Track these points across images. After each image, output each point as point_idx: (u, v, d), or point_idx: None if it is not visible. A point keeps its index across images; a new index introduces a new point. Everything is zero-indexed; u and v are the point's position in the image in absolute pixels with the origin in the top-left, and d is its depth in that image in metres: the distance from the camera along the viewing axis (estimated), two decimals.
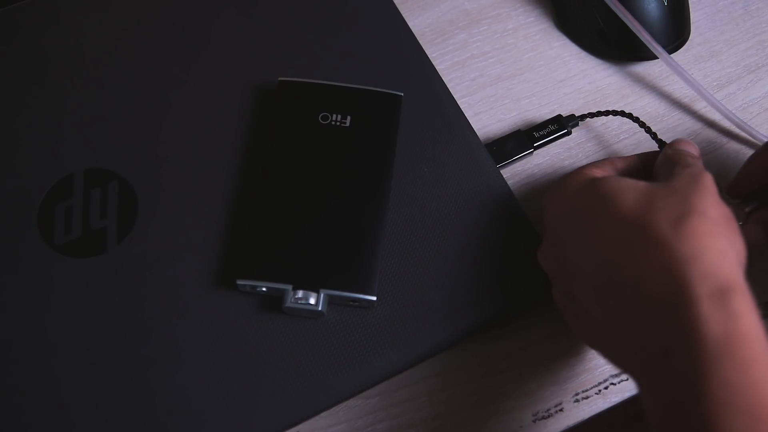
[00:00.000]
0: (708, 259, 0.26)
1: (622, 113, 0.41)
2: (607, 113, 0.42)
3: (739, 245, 0.28)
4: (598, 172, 0.35)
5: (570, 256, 0.31)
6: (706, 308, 0.25)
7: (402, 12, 0.43)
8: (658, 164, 0.35)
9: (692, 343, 0.25)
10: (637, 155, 0.37)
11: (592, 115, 0.42)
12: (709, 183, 0.30)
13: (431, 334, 0.35)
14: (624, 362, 0.29)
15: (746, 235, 0.30)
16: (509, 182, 0.40)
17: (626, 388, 0.36)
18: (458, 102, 0.41)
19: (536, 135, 0.41)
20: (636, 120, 0.41)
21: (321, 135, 0.37)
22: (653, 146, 0.41)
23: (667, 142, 0.42)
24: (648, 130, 0.41)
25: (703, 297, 0.25)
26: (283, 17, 0.42)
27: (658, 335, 0.26)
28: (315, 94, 0.38)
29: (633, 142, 0.42)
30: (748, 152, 0.42)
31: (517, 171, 0.42)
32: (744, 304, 0.25)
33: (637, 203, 0.29)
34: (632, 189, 0.30)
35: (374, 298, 0.34)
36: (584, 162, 0.42)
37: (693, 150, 0.35)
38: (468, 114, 0.42)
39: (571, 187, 0.33)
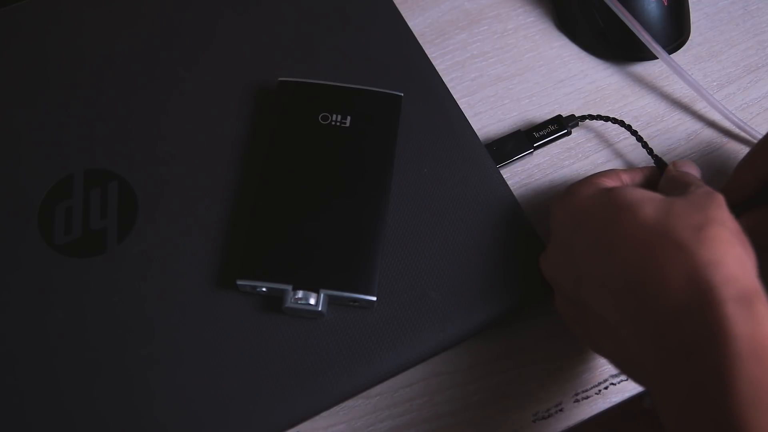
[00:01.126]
0: (730, 264, 0.27)
1: (621, 123, 0.41)
2: (606, 119, 0.42)
3: (753, 255, 0.29)
4: (609, 182, 0.35)
5: (580, 262, 0.32)
6: (732, 310, 0.26)
7: (402, 12, 0.43)
8: (664, 183, 0.36)
9: (718, 343, 0.25)
10: (641, 170, 0.38)
11: (592, 117, 0.42)
12: (722, 200, 0.31)
13: (431, 335, 0.35)
14: (634, 365, 0.30)
15: None
16: (509, 182, 0.40)
17: (626, 388, 0.36)
18: (458, 102, 0.41)
19: (536, 135, 0.41)
20: (634, 133, 0.41)
21: (321, 135, 0.37)
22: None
23: (665, 144, 0.42)
24: (645, 145, 0.41)
25: (729, 299, 0.26)
26: (283, 18, 0.42)
27: (681, 336, 0.27)
28: (315, 94, 0.38)
29: (632, 142, 0.42)
30: None
31: (517, 171, 0.42)
32: (765, 310, 0.26)
33: (656, 212, 0.30)
34: (650, 199, 0.31)
35: (374, 299, 0.34)
36: (584, 162, 0.42)
37: (697, 173, 0.37)
38: (468, 114, 0.42)
39: (583, 195, 0.34)
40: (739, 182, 0.37)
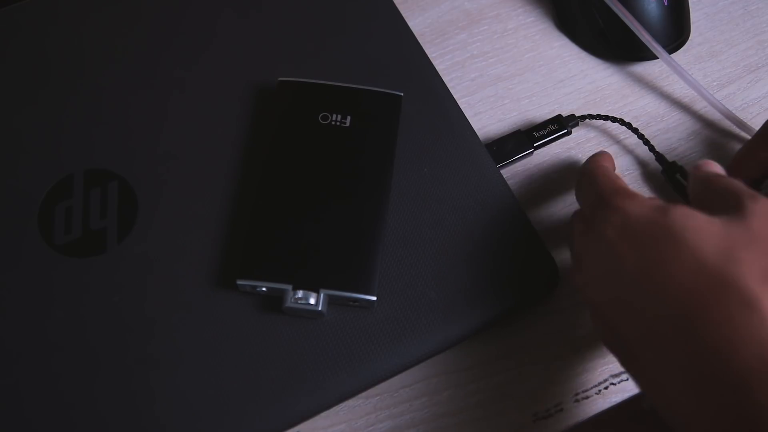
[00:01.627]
0: None
1: (621, 121, 0.41)
2: (606, 118, 0.42)
3: None
4: (619, 183, 0.33)
5: (626, 293, 0.29)
6: None
7: (402, 12, 0.43)
8: (699, 189, 0.32)
9: None
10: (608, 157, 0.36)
11: (592, 117, 0.42)
12: None
13: (431, 335, 0.35)
14: (672, 411, 0.27)
15: None
16: (509, 182, 0.40)
17: (626, 388, 0.36)
18: (458, 102, 0.41)
19: (536, 135, 0.41)
20: (635, 131, 0.41)
21: (321, 135, 0.37)
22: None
23: (665, 143, 0.42)
24: (646, 142, 0.41)
25: None
26: (283, 17, 0.42)
27: (745, 405, 0.24)
28: (315, 94, 0.38)
29: (633, 141, 0.42)
30: None
31: (518, 171, 0.42)
32: None
33: (717, 250, 0.27)
34: (708, 231, 0.28)
35: (374, 299, 0.34)
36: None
37: (722, 171, 0.33)
38: (468, 114, 0.42)
39: (632, 213, 0.30)
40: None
